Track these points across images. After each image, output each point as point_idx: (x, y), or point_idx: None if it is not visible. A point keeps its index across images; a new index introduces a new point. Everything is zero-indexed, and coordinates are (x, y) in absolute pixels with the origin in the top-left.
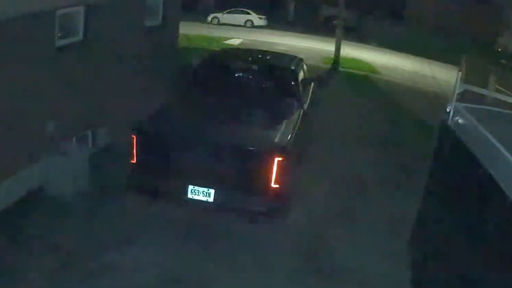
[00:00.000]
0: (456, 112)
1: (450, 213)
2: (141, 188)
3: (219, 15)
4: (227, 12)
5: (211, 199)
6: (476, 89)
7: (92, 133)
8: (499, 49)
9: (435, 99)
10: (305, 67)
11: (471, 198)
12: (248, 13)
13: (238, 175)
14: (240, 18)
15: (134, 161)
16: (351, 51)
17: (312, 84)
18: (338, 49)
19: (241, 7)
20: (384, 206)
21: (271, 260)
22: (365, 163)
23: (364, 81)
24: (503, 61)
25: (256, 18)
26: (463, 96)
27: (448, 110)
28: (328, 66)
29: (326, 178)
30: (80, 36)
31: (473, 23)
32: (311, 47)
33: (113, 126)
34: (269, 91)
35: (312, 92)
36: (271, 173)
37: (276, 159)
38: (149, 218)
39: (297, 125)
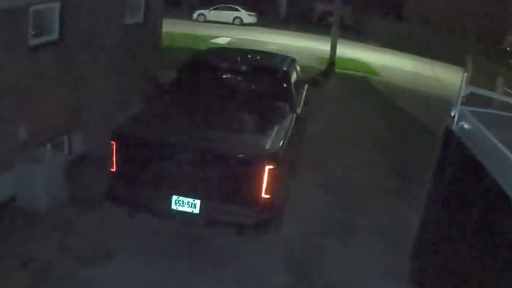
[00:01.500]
0: (461, 116)
1: (454, 226)
2: (121, 199)
3: (205, 11)
4: (214, 9)
5: (196, 211)
6: (482, 91)
7: (69, 139)
8: (507, 48)
9: (438, 103)
10: (298, 68)
11: (478, 209)
12: (237, 10)
13: (226, 184)
14: (228, 15)
15: (114, 169)
16: (348, 51)
17: (306, 86)
18: (334, 48)
19: (229, 3)
20: (383, 217)
21: (261, 276)
22: (363, 171)
23: (362, 83)
24: None
25: (245, 15)
26: (469, 99)
27: (452, 115)
28: (323, 67)
29: (321, 188)
30: (55, 35)
31: (479, 20)
32: (304, 47)
33: (91, 131)
34: (259, 94)
35: (305, 95)
36: (262, 182)
37: (267, 167)
38: (130, 230)
39: (290, 131)
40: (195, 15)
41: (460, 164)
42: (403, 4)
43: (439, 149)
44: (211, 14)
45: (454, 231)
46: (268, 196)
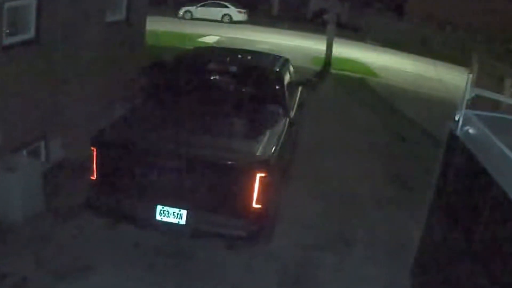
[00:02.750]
0: (466, 120)
1: (458, 237)
2: (102, 209)
3: (192, 8)
4: (202, 5)
5: (183, 221)
6: (489, 94)
7: (46, 145)
8: None
9: (441, 106)
10: (291, 68)
11: (484, 220)
12: (226, 7)
13: (214, 193)
14: (216, 12)
15: (94, 177)
16: (345, 51)
17: (300, 88)
18: (329, 48)
19: (217, 0)
20: (382, 229)
21: None
22: (361, 179)
23: (359, 85)
24: None
25: (235, 12)
26: (474, 102)
27: (456, 118)
28: (319, 67)
29: (316, 197)
30: (31, 34)
31: (485, 18)
32: (298, 46)
33: (70, 136)
34: (250, 97)
35: (299, 98)
36: (252, 191)
37: (258, 175)
38: (112, 242)
39: (282, 136)
40: (181, 12)
41: (464, 172)
42: (405, 1)
43: (442, 155)
44: (198, 11)
45: (459, 243)
46: (259, 206)
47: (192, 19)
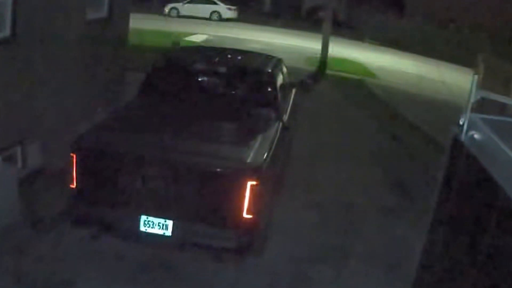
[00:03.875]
0: (471, 125)
1: (463, 250)
2: (82, 219)
3: (178, 5)
4: (189, 2)
5: (168, 233)
6: (495, 96)
7: (23, 150)
8: None
9: (445, 110)
10: (284, 69)
11: (490, 232)
12: (215, 3)
13: (202, 203)
14: (204, 9)
15: (75, 185)
16: (342, 50)
17: (294, 90)
18: (325, 47)
19: None
20: (381, 241)
21: None
22: (358, 188)
23: (357, 87)
24: None
25: (224, 9)
26: (480, 106)
27: (461, 123)
28: (314, 68)
29: (310, 207)
30: (7, 32)
31: (491, 16)
32: (292, 45)
33: (49, 141)
34: (240, 100)
35: (293, 101)
36: (243, 200)
37: (249, 183)
38: (93, 255)
39: (275, 142)
40: (167, 10)
41: (469, 180)
42: None
43: (445, 162)
44: (185, 8)
45: (463, 257)
46: (250, 216)
47: (179, 16)
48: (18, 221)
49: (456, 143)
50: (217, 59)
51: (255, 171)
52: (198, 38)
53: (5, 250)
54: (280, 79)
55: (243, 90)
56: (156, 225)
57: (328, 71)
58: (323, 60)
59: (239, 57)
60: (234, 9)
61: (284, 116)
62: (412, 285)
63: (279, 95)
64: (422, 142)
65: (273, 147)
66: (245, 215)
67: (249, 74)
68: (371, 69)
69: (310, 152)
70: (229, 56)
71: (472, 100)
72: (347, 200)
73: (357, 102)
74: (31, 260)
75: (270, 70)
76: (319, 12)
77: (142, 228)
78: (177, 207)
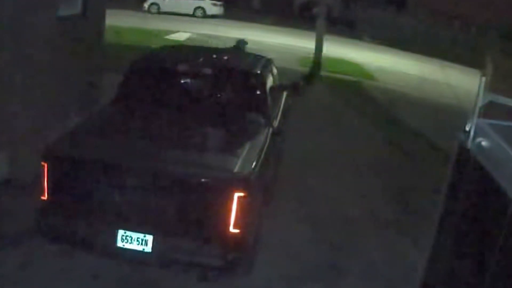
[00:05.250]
0: (479, 131)
1: (469, 266)
2: (54, 234)
3: (159, 1)
4: None
5: (148, 249)
6: (505, 100)
7: None
8: None
9: (450, 115)
10: (275, 70)
11: (499, 246)
12: None
13: (185, 216)
14: (187, 5)
15: (46, 197)
16: (337, 50)
17: (285, 93)
18: (319, 46)
19: None
20: (381, 258)
21: None
22: (356, 200)
23: (354, 90)
24: None
25: (209, 5)
26: (488, 110)
27: (467, 129)
28: (307, 69)
29: (303, 220)
30: None
31: (501, 11)
32: (283, 44)
33: (17, 149)
34: (227, 103)
35: (284, 105)
36: (229, 213)
37: (236, 195)
38: (67, 273)
39: (264, 149)
40: (146, 5)
41: (476, 190)
42: None
43: (450, 172)
44: (167, 4)
45: (470, 273)
46: (237, 231)
47: (160, 12)
48: None
49: (462, 151)
50: (201, 59)
51: (242, 182)
52: (180, 36)
53: None
54: (270, 81)
55: (230, 93)
56: (134, 241)
57: (322, 73)
58: (317, 60)
59: (225, 57)
60: (220, 5)
61: (274, 121)
62: None
63: (269, 99)
64: (425, 150)
65: (263, 155)
66: (232, 229)
67: (236, 75)
68: (369, 70)
69: (303, 160)
70: (214, 56)
71: (480, 104)
72: (343, 213)
73: (354, 106)
74: None
75: (259, 72)
76: (312, 8)
77: (120, 244)
78: (157, 221)
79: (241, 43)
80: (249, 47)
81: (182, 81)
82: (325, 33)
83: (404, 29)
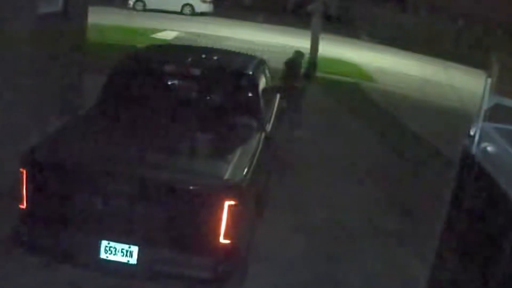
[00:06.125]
0: (484, 135)
1: (474, 278)
2: (33, 244)
3: None
4: None
5: (133, 261)
6: None
7: None
8: None
9: (454, 118)
10: (268, 72)
11: (506, 257)
12: None
13: (173, 226)
14: (175, 2)
15: (24, 205)
16: (334, 49)
17: (278, 96)
18: (315, 45)
19: None
20: (380, 270)
21: None
22: (354, 209)
23: (352, 92)
24: None
25: (197, 2)
26: (494, 113)
27: (472, 133)
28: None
29: (298, 230)
30: None
31: (507, 9)
32: (276, 43)
33: None
34: (217, 106)
35: (278, 108)
36: (220, 223)
37: (227, 203)
38: (46, 286)
39: (257, 155)
40: (131, 2)
41: (482, 199)
42: None
43: (454, 179)
44: (153, 1)
45: (475, 282)
46: (228, 242)
47: (145, 10)
48: None
49: (467, 157)
50: (189, 59)
51: (233, 189)
52: (167, 35)
53: None
54: (262, 83)
55: (220, 95)
56: (119, 252)
57: (318, 74)
58: (313, 60)
59: (216, 58)
60: (209, 2)
61: (267, 125)
62: None
63: (262, 101)
64: (427, 156)
65: (255, 161)
66: (222, 240)
67: (227, 77)
68: (368, 71)
69: (298, 167)
70: (203, 56)
71: (485, 107)
72: (339, 223)
73: (351, 109)
74: None
75: (251, 73)
76: (307, 5)
77: (103, 255)
78: (143, 231)
79: (298, 56)
80: (239, 47)
81: (169, 83)
82: (321, 32)
83: (405, 27)
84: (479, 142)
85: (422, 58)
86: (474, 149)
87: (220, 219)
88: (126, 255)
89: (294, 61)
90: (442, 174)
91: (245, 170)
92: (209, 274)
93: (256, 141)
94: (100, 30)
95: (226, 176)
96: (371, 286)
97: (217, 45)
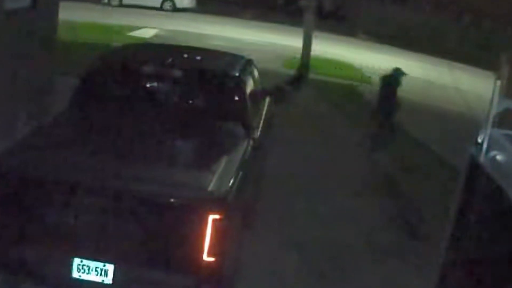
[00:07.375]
0: (492, 143)
1: None
2: None
3: None
4: None
5: (108, 280)
6: None
7: None
8: None
9: (460, 124)
10: (256, 73)
11: None
12: None
13: (152, 242)
14: None
15: None
16: (329, 48)
17: (268, 99)
18: (307, 44)
19: None
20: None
21: None
22: (350, 223)
23: (348, 95)
24: None
25: None
26: (504, 119)
27: (479, 141)
28: (293, 71)
29: (289, 246)
30: None
31: None
32: (265, 42)
33: None
34: (200, 111)
35: (267, 113)
36: (203, 238)
37: (211, 217)
38: None
39: (244, 164)
40: None
41: (490, 211)
42: None
43: (460, 189)
44: None
45: None
46: (212, 259)
47: (122, 5)
48: None
49: (474, 166)
50: (170, 60)
51: (218, 202)
52: (146, 33)
53: None
54: (250, 85)
55: (204, 99)
56: (92, 271)
57: (311, 75)
58: (305, 61)
59: (199, 58)
60: None
61: (256, 131)
62: None
63: (249, 106)
64: (431, 165)
65: (241, 172)
66: (206, 257)
67: (211, 79)
68: (366, 72)
69: (289, 177)
70: (185, 55)
71: (494, 111)
72: (334, 239)
73: (347, 114)
74: None
75: (237, 74)
76: (299, 1)
77: (75, 274)
78: (119, 248)
79: (398, 74)
80: (225, 47)
81: (148, 86)
82: (314, 29)
83: (406, 24)
84: (487, 150)
85: (425, 58)
86: (482, 158)
87: (203, 235)
88: (101, 274)
89: (392, 78)
90: (447, 185)
91: (231, 181)
92: None
93: (243, 148)
94: (72, 27)
95: (210, 188)
96: None
97: (200, 44)
